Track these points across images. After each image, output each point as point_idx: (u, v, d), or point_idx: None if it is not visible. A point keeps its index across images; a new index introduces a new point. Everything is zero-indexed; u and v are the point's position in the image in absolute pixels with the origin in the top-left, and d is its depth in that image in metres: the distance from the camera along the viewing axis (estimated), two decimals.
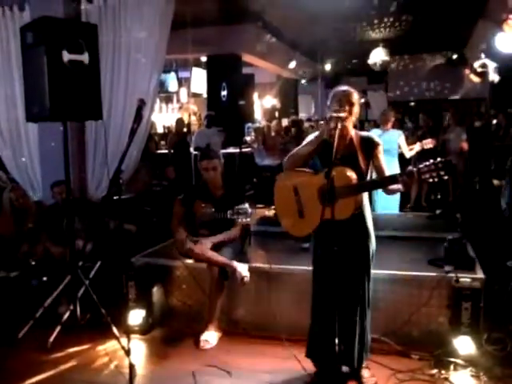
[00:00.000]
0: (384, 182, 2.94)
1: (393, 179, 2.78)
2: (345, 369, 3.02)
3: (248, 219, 3.59)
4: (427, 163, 2.56)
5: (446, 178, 2.53)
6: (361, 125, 12.62)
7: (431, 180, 2.55)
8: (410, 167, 2.66)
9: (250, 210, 3.54)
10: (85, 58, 3.66)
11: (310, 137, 2.99)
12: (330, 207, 2.63)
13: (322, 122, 7.59)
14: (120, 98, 5.05)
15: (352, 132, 2.98)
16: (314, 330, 3.07)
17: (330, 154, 2.67)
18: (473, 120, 8.73)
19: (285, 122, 12.22)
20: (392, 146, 5.73)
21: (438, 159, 2.54)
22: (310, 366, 3.14)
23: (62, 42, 3.56)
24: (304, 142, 3.00)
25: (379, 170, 2.98)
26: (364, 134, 3.08)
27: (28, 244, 4.55)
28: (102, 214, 4.67)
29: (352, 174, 2.83)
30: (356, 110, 2.91)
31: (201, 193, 4.02)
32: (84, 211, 4.67)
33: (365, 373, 3.06)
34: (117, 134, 4.98)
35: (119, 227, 3.34)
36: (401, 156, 5.93)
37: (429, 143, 5.53)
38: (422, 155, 5.55)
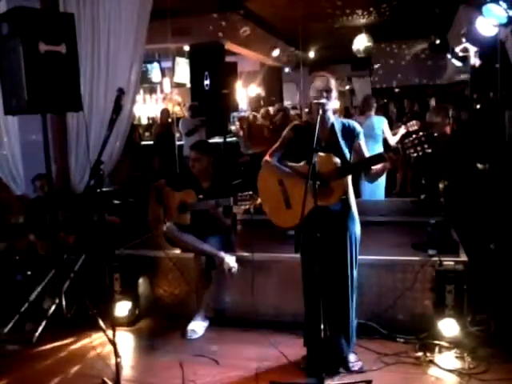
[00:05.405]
0: (370, 162, 2.94)
1: (379, 157, 2.81)
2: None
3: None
4: (411, 138, 2.70)
5: (429, 150, 2.65)
6: (346, 111, 12.61)
7: (416, 154, 2.67)
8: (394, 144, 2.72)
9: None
10: (62, 48, 3.59)
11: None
12: (317, 194, 2.64)
13: (306, 110, 7.55)
14: (101, 88, 4.96)
15: (333, 119, 2.99)
16: (307, 318, 3.08)
17: (311, 141, 2.67)
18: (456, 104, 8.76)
19: (271, 110, 12.15)
20: (375, 132, 5.71)
21: (421, 133, 2.68)
22: (296, 352, 3.17)
23: (39, 33, 3.47)
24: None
25: (362, 158, 2.99)
26: (345, 121, 3.08)
27: (10, 239, 4.50)
28: (85, 206, 4.62)
29: (337, 160, 2.85)
30: (334, 95, 2.91)
31: (189, 182, 3.99)
32: (67, 204, 4.62)
33: (351, 357, 3.08)
34: (98, 126, 4.90)
35: (102, 219, 3.31)
36: (385, 142, 5.92)
37: (414, 125, 5.50)
38: (407, 137, 5.54)
